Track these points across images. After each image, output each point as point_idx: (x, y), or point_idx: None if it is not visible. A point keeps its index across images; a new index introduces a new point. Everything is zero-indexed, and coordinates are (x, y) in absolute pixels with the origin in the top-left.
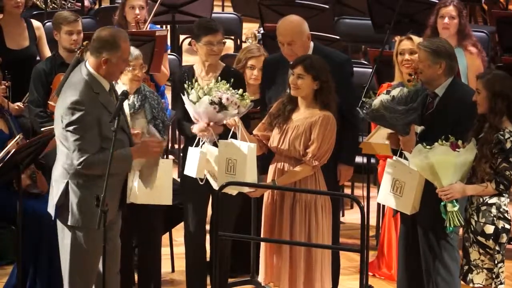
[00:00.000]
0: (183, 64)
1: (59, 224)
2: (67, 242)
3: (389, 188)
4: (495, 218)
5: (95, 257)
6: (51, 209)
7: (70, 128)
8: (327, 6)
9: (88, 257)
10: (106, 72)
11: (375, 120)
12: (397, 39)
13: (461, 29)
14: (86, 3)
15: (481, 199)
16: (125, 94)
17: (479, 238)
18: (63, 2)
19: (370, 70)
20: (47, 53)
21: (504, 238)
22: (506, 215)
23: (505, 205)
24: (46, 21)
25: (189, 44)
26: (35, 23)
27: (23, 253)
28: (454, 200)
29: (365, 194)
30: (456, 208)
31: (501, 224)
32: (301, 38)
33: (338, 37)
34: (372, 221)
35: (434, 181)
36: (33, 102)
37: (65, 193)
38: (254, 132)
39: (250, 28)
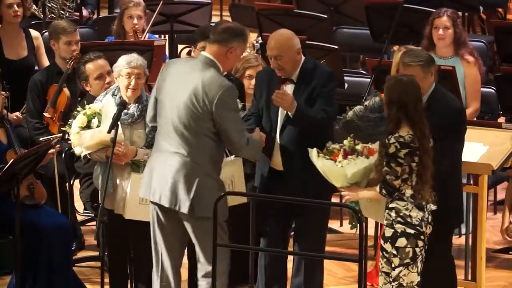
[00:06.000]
0: None
1: (197, 218)
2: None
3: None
4: (394, 222)
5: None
6: (185, 205)
7: (237, 114)
8: (325, 16)
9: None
10: (227, 61)
11: (351, 132)
12: (395, 49)
13: (457, 38)
14: (85, 12)
15: (385, 203)
16: (123, 104)
17: (381, 240)
18: (61, 12)
19: (369, 79)
20: (46, 62)
21: (403, 242)
22: (408, 219)
23: (407, 209)
24: (44, 31)
25: (188, 53)
26: (34, 33)
27: (22, 263)
28: (354, 202)
29: None
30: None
31: (401, 228)
32: (289, 53)
33: (336, 47)
34: (370, 231)
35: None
36: (29, 113)
37: (202, 185)
38: None
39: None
